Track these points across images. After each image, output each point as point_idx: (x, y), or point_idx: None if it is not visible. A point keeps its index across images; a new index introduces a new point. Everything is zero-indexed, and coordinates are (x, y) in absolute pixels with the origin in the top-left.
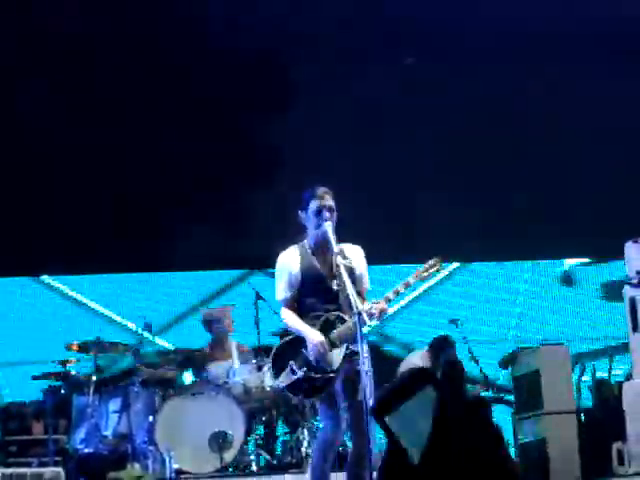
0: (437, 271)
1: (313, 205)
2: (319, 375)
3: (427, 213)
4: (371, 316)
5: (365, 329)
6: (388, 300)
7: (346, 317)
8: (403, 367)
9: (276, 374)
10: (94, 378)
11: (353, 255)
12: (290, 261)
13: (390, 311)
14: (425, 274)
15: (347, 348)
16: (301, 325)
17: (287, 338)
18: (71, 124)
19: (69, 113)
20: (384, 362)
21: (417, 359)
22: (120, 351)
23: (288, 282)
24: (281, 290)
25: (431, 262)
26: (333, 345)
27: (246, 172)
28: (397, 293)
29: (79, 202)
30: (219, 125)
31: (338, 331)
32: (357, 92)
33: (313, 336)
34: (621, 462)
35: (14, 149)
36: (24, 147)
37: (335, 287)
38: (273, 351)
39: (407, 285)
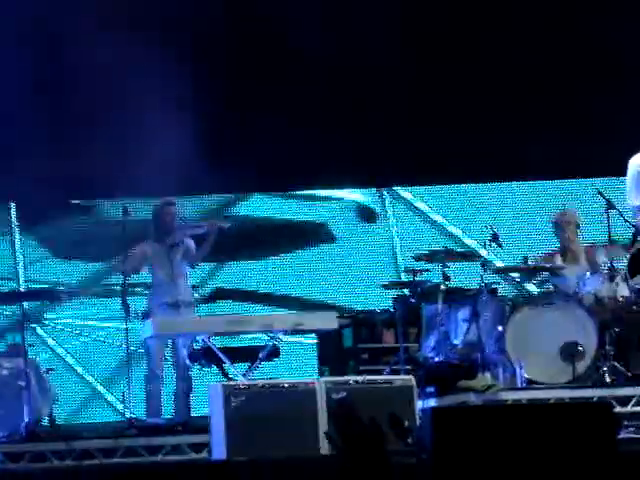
0: None
1: None
2: None
3: None
4: None
5: None
6: None
7: None
8: None
9: (632, 276)
10: (443, 287)
11: None
12: None
13: None
14: None
15: None
16: None
17: None
18: None
19: None
20: None
21: None
22: (468, 260)
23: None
24: (632, 196)
25: None
26: None
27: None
28: None
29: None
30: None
31: None
32: None
33: None
34: None
35: None
36: None
37: None
38: (629, 255)
39: None
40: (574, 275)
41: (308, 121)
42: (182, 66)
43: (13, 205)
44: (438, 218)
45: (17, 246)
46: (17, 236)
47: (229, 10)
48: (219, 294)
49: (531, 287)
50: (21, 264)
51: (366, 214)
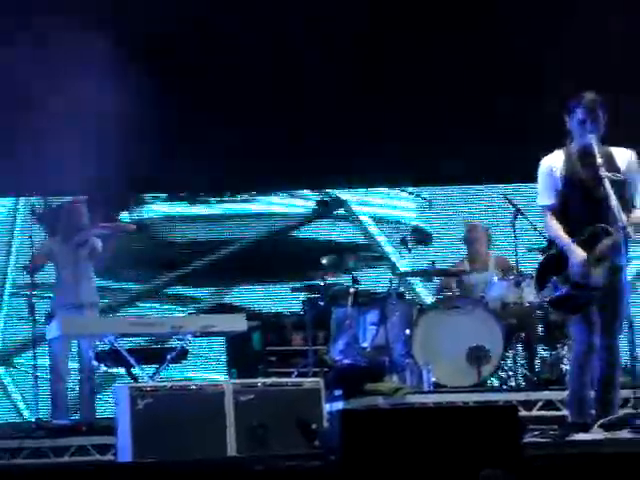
0: None
1: (578, 114)
2: (583, 293)
3: None
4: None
5: None
6: None
7: (612, 230)
8: None
9: (540, 289)
10: (352, 290)
11: (623, 161)
12: (553, 164)
13: None
14: None
15: (611, 262)
16: (564, 238)
17: (551, 252)
18: None
19: None
20: None
21: None
22: (378, 264)
23: (552, 186)
24: (544, 195)
25: None
26: (598, 260)
27: None
28: None
29: None
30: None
31: (603, 245)
32: None
33: (575, 253)
34: None
35: None
36: None
37: (601, 197)
38: (537, 266)
39: None
40: (482, 280)
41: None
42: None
43: None
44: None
45: None
46: None
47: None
48: None
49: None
50: None
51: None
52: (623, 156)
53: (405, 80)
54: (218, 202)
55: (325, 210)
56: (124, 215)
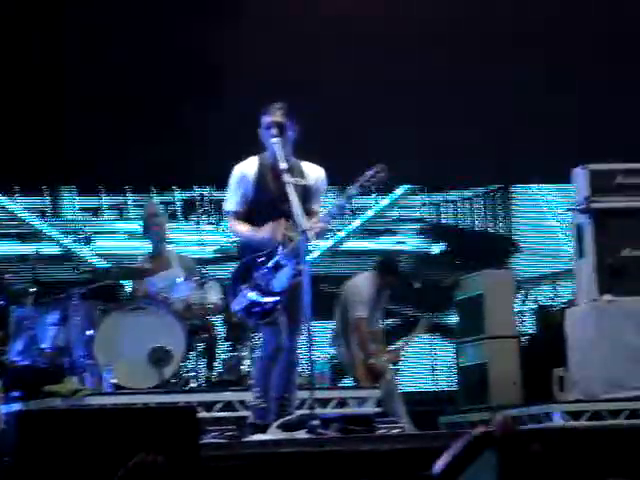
0: (381, 181)
1: (264, 121)
2: (268, 299)
3: None
4: (314, 233)
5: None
6: (331, 216)
7: (294, 234)
8: (349, 288)
9: (233, 298)
10: (32, 290)
11: (311, 173)
12: (245, 171)
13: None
14: (367, 183)
15: (293, 268)
16: (249, 230)
17: (242, 261)
18: None
19: None
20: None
21: (363, 279)
22: (60, 264)
23: (241, 193)
24: (232, 202)
25: (376, 169)
26: (278, 266)
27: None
28: (339, 206)
29: None
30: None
31: (286, 250)
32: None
33: (263, 230)
34: (562, 388)
35: None
36: None
37: (285, 202)
38: (230, 277)
39: (349, 197)
40: (166, 280)
41: None
42: None
43: None
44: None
45: None
46: None
47: None
48: None
49: None
50: None
51: None
52: (312, 170)
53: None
54: None
55: None
56: None
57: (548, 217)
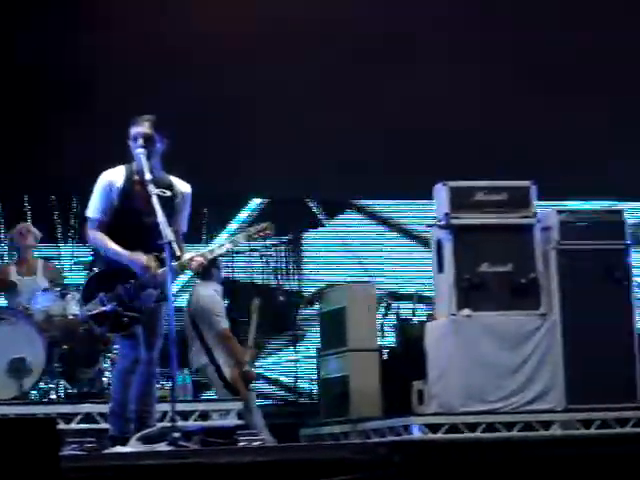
0: (267, 236)
1: (132, 132)
2: (128, 313)
3: None
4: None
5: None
6: (211, 253)
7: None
8: (204, 303)
9: (84, 301)
10: None
11: (177, 188)
12: (112, 179)
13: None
14: (255, 236)
15: (161, 292)
16: (119, 249)
17: (103, 268)
18: None
19: None
20: None
21: (209, 291)
22: None
23: (106, 201)
24: (96, 208)
25: (263, 225)
26: (144, 287)
27: None
28: (223, 248)
29: None
30: None
31: (163, 271)
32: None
33: (136, 258)
34: (421, 401)
35: None
36: None
37: (150, 212)
38: (86, 279)
39: (234, 243)
40: (28, 290)
41: None
42: None
43: None
44: None
45: None
46: None
47: None
48: None
49: None
50: None
51: None
52: (179, 184)
53: None
54: None
55: None
56: None
57: None
